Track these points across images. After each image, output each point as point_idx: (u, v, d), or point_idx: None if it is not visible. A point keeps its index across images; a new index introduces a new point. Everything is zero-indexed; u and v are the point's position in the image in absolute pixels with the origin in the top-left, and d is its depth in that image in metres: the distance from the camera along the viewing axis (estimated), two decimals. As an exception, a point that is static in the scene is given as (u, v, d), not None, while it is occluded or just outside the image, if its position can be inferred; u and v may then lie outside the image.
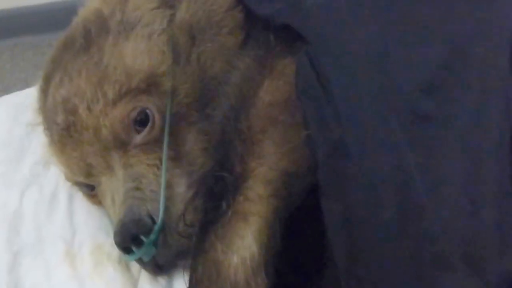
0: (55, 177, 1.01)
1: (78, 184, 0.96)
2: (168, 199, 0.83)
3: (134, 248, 0.80)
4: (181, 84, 0.88)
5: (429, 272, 0.66)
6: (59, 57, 0.93)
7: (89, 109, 0.86)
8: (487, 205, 0.67)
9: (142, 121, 0.87)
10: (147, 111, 0.87)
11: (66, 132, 0.88)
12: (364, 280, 0.68)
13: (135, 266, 0.90)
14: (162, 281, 0.87)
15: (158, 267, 0.85)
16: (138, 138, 0.87)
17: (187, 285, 0.75)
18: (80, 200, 0.98)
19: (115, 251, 0.89)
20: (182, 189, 0.85)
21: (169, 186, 0.84)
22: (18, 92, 1.17)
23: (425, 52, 0.75)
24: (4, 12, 1.73)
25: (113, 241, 0.82)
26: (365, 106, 0.73)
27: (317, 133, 0.73)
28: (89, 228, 0.94)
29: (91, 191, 0.94)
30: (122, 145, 0.87)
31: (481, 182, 0.69)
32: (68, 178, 0.96)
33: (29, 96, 1.03)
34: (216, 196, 0.75)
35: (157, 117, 0.87)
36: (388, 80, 0.73)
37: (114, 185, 0.86)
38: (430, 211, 0.68)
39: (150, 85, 0.87)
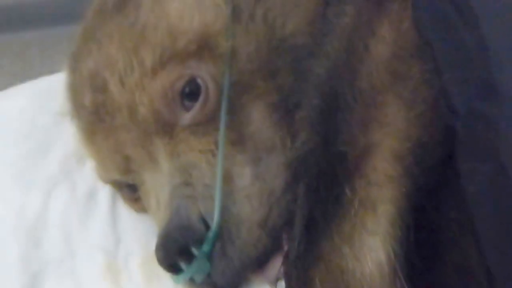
0: (92, 174, 0.80)
1: (116, 184, 0.79)
2: (227, 195, 0.66)
3: (182, 265, 0.64)
4: (243, 46, 0.70)
5: None
6: (90, 25, 0.77)
7: (121, 82, 0.69)
8: None
9: (192, 93, 0.69)
10: (198, 80, 0.69)
11: (95, 116, 0.71)
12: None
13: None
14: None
15: None
16: (187, 117, 0.69)
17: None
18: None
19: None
20: (246, 181, 0.67)
21: (228, 178, 0.67)
22: (45, 77, 0.98)
23: None
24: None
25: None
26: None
27: (455, 73, 0.58)
28: (138, 234, 0.75)
29: (133, 193, 0.77)
30: (167, 128, 0.69)
31: None
32: (102, 177, 0.79)
33: (58, 82, 0.84)
34: (333, 180, 0.59)
35: (211, 87, 0.69)
36: None
37: (159, 183, 0.69)
38: None
39: (201, 47, 0.69)
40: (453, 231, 0.60)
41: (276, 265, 0.66)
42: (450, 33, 0.60)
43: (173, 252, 0.63)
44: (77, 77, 0.74)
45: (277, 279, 0.65)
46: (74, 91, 0.76)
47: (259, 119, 0.70)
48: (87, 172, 0.81)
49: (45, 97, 0.90)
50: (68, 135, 0.82)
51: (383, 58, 0.61)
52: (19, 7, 1.57)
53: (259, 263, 0.66)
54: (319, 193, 0.59)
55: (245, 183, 0.67)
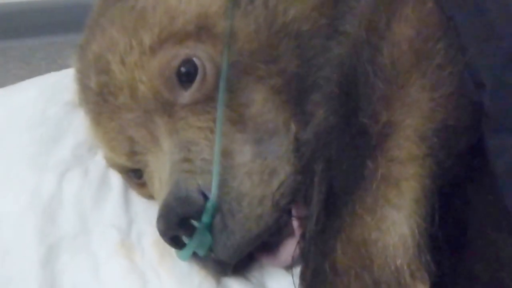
0: (104, 162, 0.81)
1: (122, 170, 0.79)
2: (227, 170, 0.66)
3: (184, 239, 0.64)
4: (242, 27, 0.71)
5: None
6: (95, 14, 0.78)
7: (122, 62, 0.71)
8: None
9: (189, 74, 0.70)
10: (195, 59, 0.70)
11: (100, 98, 0.73)
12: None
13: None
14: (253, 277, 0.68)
15: (220, 266, 0.67)
16: (186, 96, 0.70)
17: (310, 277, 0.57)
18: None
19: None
20: (245, 158, 0.67)
21: (227, 154, 0.67)
22: (54, 73, 0.98)
23: None
24: (37, 5, 1.58)
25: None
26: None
27: (481, 47, 0.56)
28: (149, 218, 0.73)
29: (138, 179, 0.77)
30: (166, 106, 0.70)
31: None
32: (109, 162, 0.79)
33: (66, 77, 0.87)
34: (354, 153, 0.58)
35: (209, 67, 0.70)
36: None
37: (161, 163, 0.69)
38: None
39: (199, 28, 0.71)
40: (482, 222, 0.59)
41: (289, 248, 0.65)
42: (475, 6, 0.58)
43: (173, 223, 0.63)
44: (84, 62, 0.76)
45: (292, 264, 0.64)
46: (81, 75, 0.77)
47: (260, 101, 0.70)
48: (99, 160, 0.81)
49: (55, 89, 0.91)
50: (78, 125, 0.84)
51: (406, 37, 0.59)
52: (26, 15, 1.58)
53: (264, 241, 0.66)
54: (339, 166, 0.58)
55: (245, 160, 0.67)
